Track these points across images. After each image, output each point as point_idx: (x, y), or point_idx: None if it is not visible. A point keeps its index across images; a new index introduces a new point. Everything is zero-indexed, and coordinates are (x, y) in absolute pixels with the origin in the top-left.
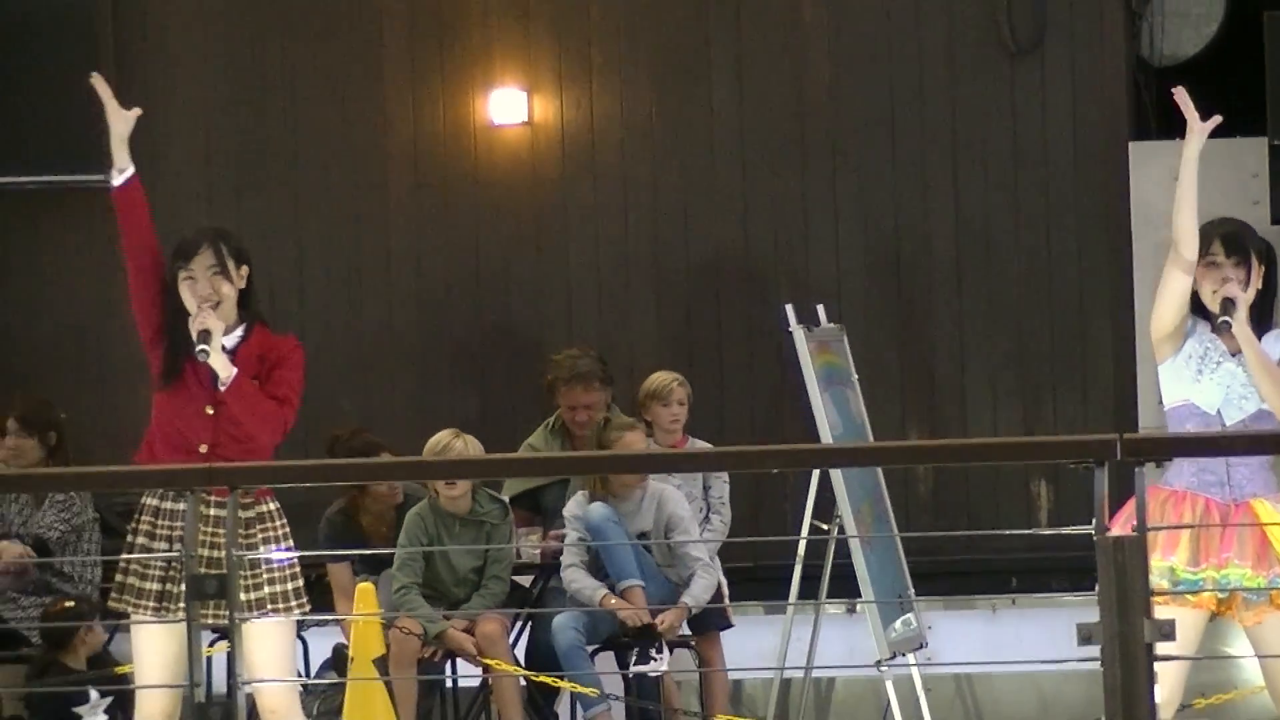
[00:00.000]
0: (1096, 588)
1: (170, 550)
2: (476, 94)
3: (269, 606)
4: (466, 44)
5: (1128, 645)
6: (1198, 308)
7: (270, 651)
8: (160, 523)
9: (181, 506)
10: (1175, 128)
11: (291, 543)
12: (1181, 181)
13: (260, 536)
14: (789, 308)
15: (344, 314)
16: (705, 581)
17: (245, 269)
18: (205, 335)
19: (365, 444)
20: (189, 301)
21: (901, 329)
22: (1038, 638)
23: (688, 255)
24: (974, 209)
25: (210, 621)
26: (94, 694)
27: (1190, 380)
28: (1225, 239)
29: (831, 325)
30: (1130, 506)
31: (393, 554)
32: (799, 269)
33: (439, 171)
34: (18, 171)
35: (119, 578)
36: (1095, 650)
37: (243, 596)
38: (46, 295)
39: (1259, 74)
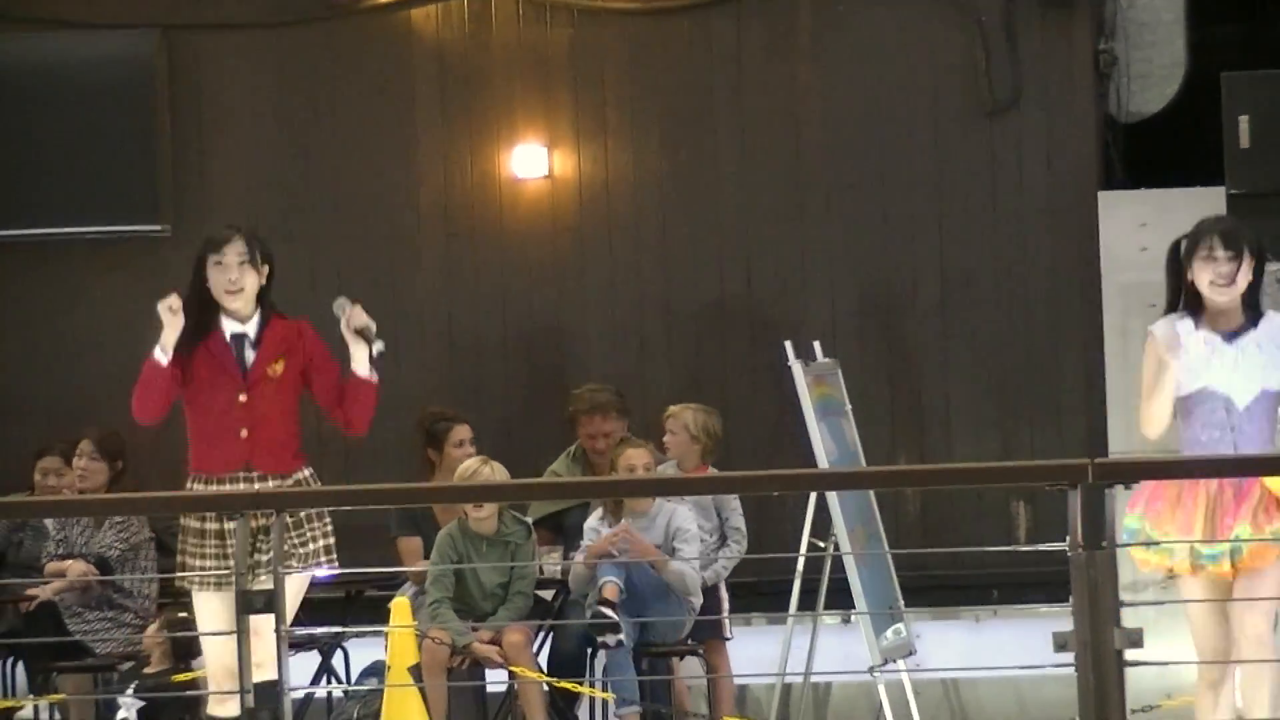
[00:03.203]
0: (1071, 599)
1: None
2: (501, 150)
3: (306, 563)
4: (492, 104)
5: (1099, 652)
6: (1191, 298)
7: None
8: (206, 543)
9: (213, 527)
10: (1140, 178)
11: (330, 528)
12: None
13: (309, 536)
14: (788, 345)
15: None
16: (687, 568)
17: (267, 267)
18: (368, 331)
19: (439, 424)
20: (216, 286)
21: (891, 364)
22: (1017, 645)
23: (696, 298)
24: (956, 254)
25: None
26: (130, 691)
27: (1201, 370)
28: (1223, 235)
29: (827, 360)
30: (1148, 486)
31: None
32: (797, 309)
33: (467, 221)
34: (81, 221)
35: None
36: (1070, 656)
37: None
38: (108, 335)
39: (1217, 129)
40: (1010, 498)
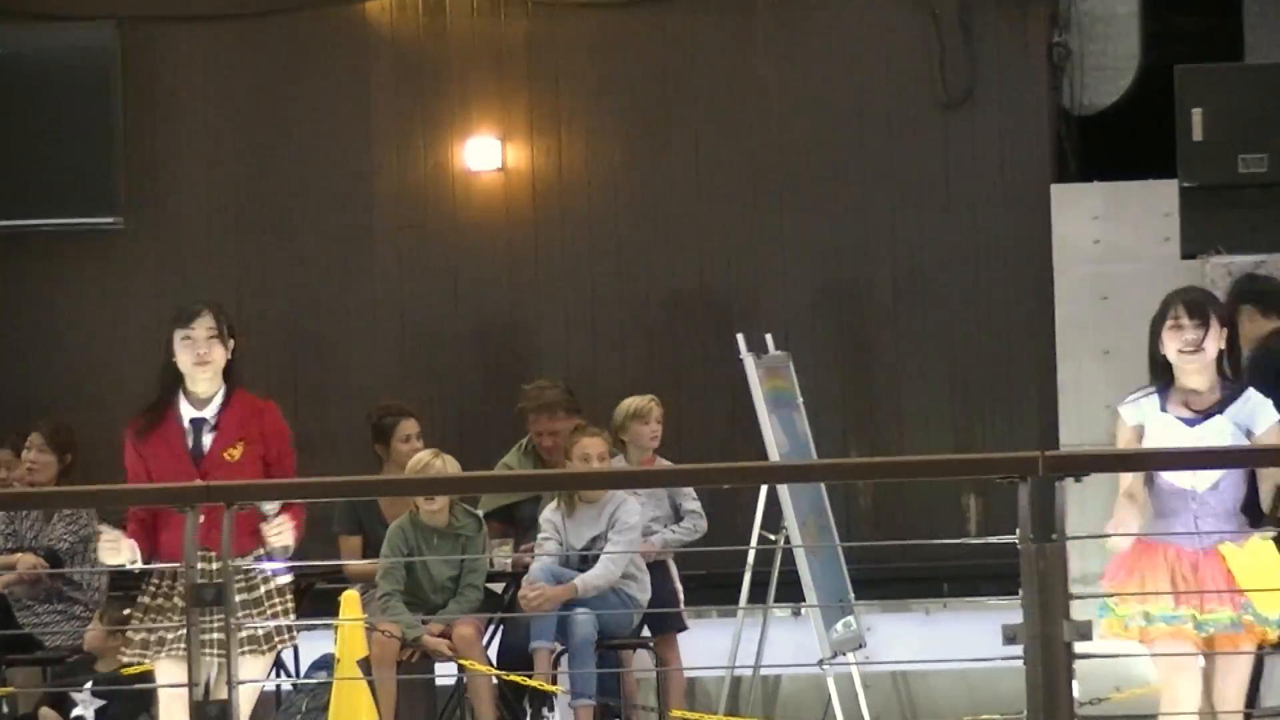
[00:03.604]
0: (1021, 592)
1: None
2: (455, 142)
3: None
4: (446, 96)
5: (1048, 644)
6: (1163, 371)
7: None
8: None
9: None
10: (1094, 171)
11: (294, 618)
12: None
13: (270, 613)
14: (740, 337)
15: (334, 343)
16: (601, 571)
17: (233, 342)
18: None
19: (386, 419)
20: (184, 360)
21: (844, 356)
22: (968, 638)
23: (649, 291)
24: (910, 247)
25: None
26: (88, 688)
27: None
28: (1188, 305)
29: (779, 353)
30: (1119, 560)
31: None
32: (750, 302)
33: (421, 214)
34: (36, 214)
35: (131, 633)
36: (1019, 649)
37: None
38: (62, 330)
39: (1170, 122)
40: (962, 490)
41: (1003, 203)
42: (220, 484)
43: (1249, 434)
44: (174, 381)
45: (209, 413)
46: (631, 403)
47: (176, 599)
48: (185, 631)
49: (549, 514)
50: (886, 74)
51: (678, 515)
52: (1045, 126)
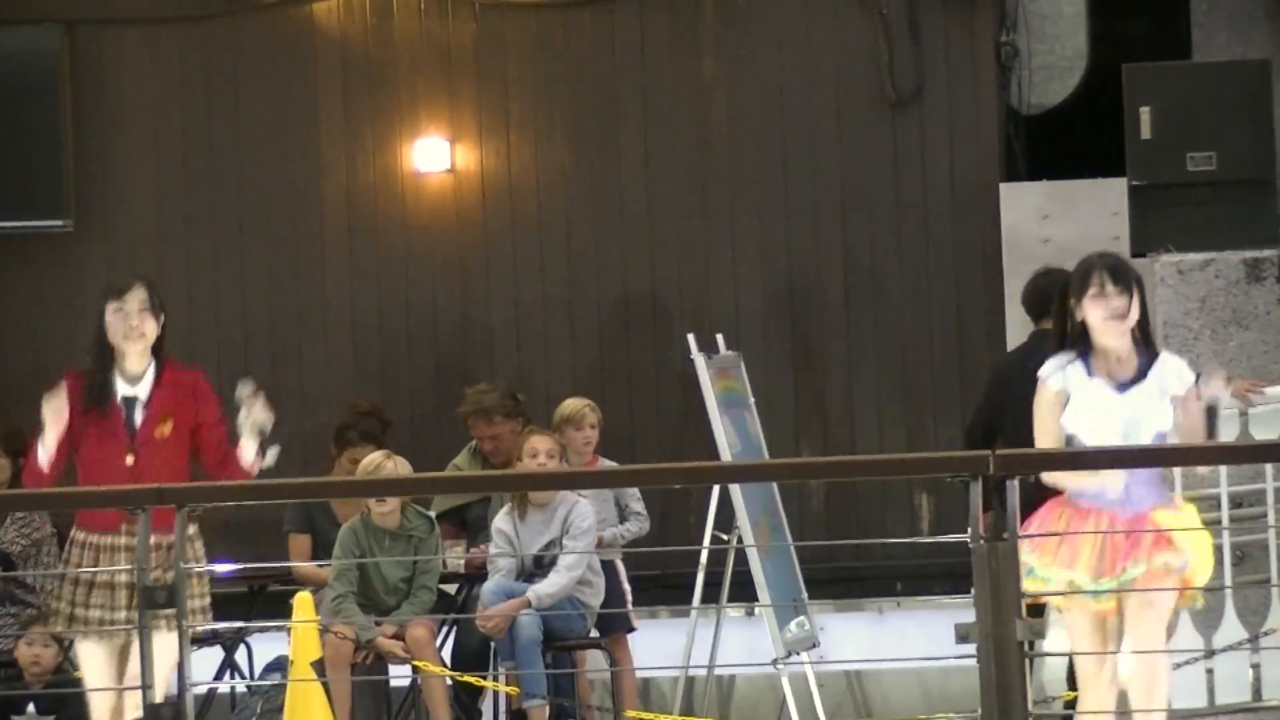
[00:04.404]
0: (973, 591)
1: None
2: (403, 143)
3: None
4: (394, 97)
5: (1001, 643)
6: (1079, 337)
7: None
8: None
9: (114, 540)
10: (1042, 170)
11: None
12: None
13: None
14: (691, 338)
15: (284, 345)
16: (555, 582)
17: (163, 317)
18: (264, 437)
19: (350, 433)
20: (116, 331)
21: (795, 357)
22: (921, 637)
23: (599, 291)
24: (861, 247)
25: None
26: (31, 708)
27: (1094, 425)
28: (1112, 271)
29: (730, 353)
30: (1037, 515)
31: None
32: (700, 303)
33: (370, 216)
34: None
35: (56, 605)
36: (972, 648)
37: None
38: (11, 331)
39: (1118, 120)
40: (914, 489)
41: (952, 202)
42: (171, 486)
43: (1170, 397)
44: (107, 358)
45: (141, 391)
46: (566, 406)
47: (115, 577)
48: (112, 614)
49: (500, 523)
50: (834, 74)
51: (622, 516)
52: (993, 126)
